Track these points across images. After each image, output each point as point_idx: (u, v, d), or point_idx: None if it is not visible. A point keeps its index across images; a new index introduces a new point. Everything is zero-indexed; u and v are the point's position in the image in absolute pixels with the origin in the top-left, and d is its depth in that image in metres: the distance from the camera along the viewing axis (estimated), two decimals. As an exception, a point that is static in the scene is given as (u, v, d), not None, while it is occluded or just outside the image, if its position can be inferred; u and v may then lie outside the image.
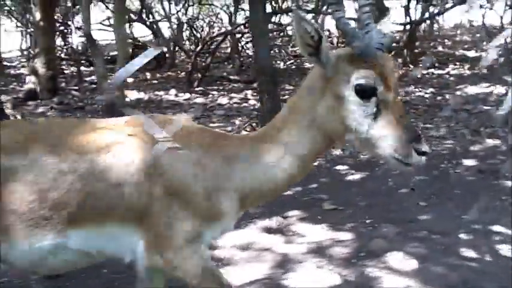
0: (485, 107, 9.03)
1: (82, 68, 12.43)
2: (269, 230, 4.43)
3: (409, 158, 2.03)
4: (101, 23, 14.35)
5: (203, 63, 11.69)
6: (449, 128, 7.74)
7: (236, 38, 12.44)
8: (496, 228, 4.31)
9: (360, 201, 5.06)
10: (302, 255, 3.97)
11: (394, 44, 14.98)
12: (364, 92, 2.05)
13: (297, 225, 4.54)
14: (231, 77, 11.74)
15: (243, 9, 13.85)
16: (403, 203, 5.00)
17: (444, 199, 5.02)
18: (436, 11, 14.17)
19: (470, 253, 3.92)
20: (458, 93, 10.35)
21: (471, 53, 15.06)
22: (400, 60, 13.40)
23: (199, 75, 10.95)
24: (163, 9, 12.35)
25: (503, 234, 4.21)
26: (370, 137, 2.07)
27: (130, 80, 11.73)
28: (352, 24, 2.19)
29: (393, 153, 2.04)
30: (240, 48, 13.19)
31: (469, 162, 6.13)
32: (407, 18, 13.41)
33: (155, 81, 11.79)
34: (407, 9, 13.41)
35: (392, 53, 14.20)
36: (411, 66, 13.06)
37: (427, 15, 13.91)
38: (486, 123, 7.91)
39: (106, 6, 13.97)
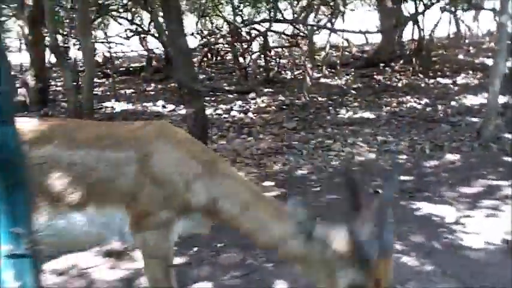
0: (473, 119, 8.67)
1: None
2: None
3: None
4: (117, 35, 14.87)
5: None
6: (412, 141, 7.47)
7: (236, 48, 12.51)
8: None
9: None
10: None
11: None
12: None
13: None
14: (227, 88, 11.81)
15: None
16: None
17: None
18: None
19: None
20: (453, 103, 9.95)
21: (490, 61, 14.37)
22: (410, 69, 13.05)
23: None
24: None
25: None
26: None
27: (129, 91, 12.14)
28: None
29: None
30: (242, 59, 13.23)
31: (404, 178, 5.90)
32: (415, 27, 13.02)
33: (152, 92, 12.05)
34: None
35: (401, 61, 13.86)
36: (421, 76, 12.67)
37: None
38: (462, 136, 7.60)
39: (114, 19, 14.44)
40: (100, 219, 2.57)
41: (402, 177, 5.89)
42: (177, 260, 4.17)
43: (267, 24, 11.60)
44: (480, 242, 4.18)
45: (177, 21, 6.03)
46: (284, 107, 10.15)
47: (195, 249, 4.37)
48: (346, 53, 15.56)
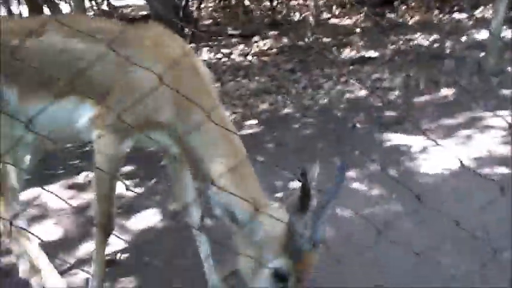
0: (482, 54, 8.23)
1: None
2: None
3: None
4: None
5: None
6: (408, 77, 7.15)
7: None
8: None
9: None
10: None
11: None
12: (277, 276, 2.20)
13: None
14: (231, 32, 11.55)
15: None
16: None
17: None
18: None
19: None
20: (463, 38, 9.45)
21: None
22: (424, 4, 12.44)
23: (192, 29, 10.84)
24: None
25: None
26: None
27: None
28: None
29: None
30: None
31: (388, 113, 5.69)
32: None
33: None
34: None
35: None
36: (436, 12, 12.07)
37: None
38: (464, 70, 7.25)
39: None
40: (74, 109, 2.58)
41: (386, 113, 5.69)
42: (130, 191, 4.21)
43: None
44: (438, 168, 4.02)
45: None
46: (286, 49, 9.88)
47: (153, 181, 4.39)
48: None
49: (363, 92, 6.69)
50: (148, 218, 3.80)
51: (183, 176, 2.86)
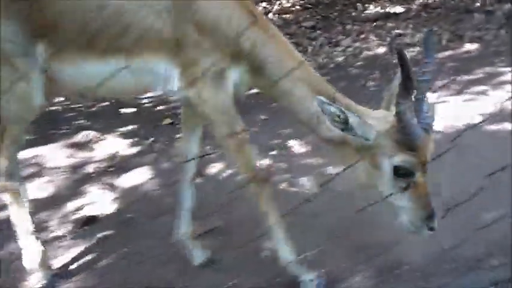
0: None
1: None
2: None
3: (420, 232, 2.22)
4: None
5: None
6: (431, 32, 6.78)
7: None
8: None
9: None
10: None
11: None
12: (401, 173, 2.15)
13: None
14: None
15: None
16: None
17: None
18: None
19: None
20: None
21: None
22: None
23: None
24: None
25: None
26: (393, 203, 2.22)
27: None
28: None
29: (408, 224, 2.22)
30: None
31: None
32: None
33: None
34: None
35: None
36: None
37: None
38: (492, 24, 6.83)
39: None
40: (144, 67, 2.36)
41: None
42: (128, 150, 4.20)
43: None
44: (441, 125, 3.81)
45: None
46: (310, 5, 9.55)
47: (151, 139, 4.35)
48: None
49: (382, 49, 6.41)
50: (139, 177, 3.75)
51: (193, 127, 2.73)
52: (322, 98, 2.13)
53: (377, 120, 2.20)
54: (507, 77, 4.74)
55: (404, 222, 2.22)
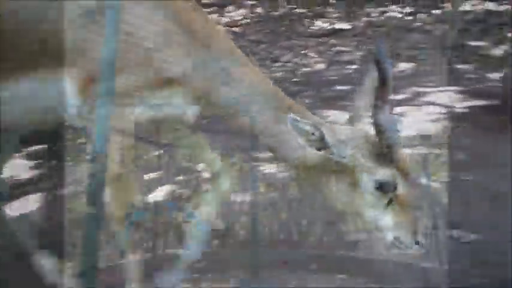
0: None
1: None
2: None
3: (408, 248, 2.09)
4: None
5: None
6: (369, 51, 6.99)
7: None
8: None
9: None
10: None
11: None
12: (383, 188, 2.04)
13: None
14: (204, 1, 11.30)
15: None
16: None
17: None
18: None
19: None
20: (438, 11, 9.23)
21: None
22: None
23: None
24: None
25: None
26: (376, 222, 2.10)
27: None
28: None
29: (394, 241, 2.09)
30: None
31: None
32: None
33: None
34: None
35: None
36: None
37: None
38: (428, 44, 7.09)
39: None
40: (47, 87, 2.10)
41: (338, 87, 5.59)
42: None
43: None
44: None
45: None
46: (259, 20, 9.67)
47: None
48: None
49: (320, 66, 6.56)
50: None
51: None
52: (293, 117, 1.99)
53: (348, 135, 2.08)
54: (432, 98, 4.92)
55: (390, 241, 2.10)
